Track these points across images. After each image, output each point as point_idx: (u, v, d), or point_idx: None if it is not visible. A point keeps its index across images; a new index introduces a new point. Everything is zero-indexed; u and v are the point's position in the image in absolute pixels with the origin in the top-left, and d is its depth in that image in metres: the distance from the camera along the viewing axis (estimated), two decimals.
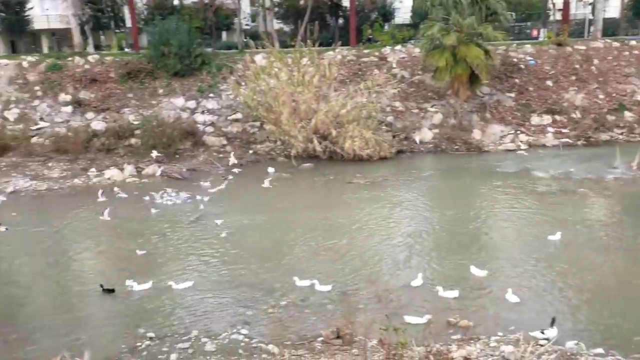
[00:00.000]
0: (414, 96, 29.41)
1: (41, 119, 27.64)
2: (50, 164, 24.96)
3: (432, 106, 29.02)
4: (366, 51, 32.51)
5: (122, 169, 24.05)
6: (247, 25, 49.60)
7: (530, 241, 15.19)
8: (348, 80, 29.13)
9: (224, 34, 49.49)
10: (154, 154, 24.95)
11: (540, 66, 31.14)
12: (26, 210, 20.02)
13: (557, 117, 28.81)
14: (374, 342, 9.59)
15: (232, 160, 25.10)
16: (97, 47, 43.98)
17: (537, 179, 21.76)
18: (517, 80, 30.35)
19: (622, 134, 28.14)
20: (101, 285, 12.71)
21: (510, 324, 10.66)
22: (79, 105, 28.03)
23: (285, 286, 12.66)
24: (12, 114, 27.59)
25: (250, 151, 26.83)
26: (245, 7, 49.04)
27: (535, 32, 44.99)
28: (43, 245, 16.26)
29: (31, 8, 45.94)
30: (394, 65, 30.93)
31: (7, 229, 17.36)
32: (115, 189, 21.43)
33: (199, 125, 27.70)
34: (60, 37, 48.16)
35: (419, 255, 14.40)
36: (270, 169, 23.94)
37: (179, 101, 28.74)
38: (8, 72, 29.32)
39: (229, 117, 28.34)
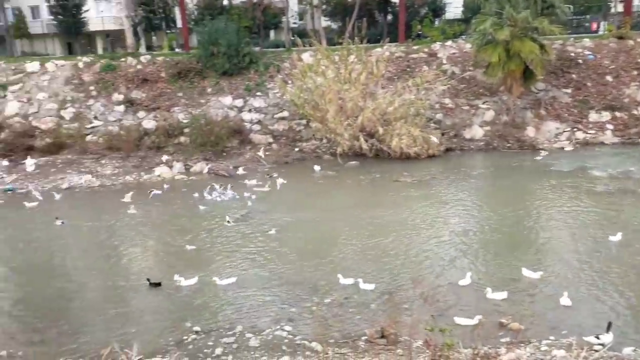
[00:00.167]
0: (465, 93, 28.74)
1: (95, 117, 28.60)
2: (103, 162, 25.84)
3: (483, 103, 28.29)
4: (415, 47, 31.99)
5: (171, 167, 24.63)
6: (294, 23, 49.80)
7: (587, 242, 14.52)
8: (396, 77, 28.76)
9: (271, 33, 49.87)
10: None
11: (599, 61, 29.77)
12: (80, 205, 20.77)
13: (617, 114, 27.49)
14: (419, 342, 9.35)
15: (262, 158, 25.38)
16: (149, 48, 45.24)
17: (594, 178, 20.84)
18: (574, 76, 29.15)
19: None
20: (148, 279, 13.00)
21: (563, 328, 10.23)
22: (131, 104, 28.86)
23: (329, 284, 12.55)
24: (67, 113, 28.64)
25: (296, 149, 26.92)
26: (293, 6, 49.23)
27: (594, 25, 43.03)
28: (95, 240, 16.79)
29: (87, 10, 47.66)
30: (444, 61, 30.30)
31: (63, 222, 18.03)
32: (165, 185, 21.96)
33: (245, 124, 28.00)
34: (114, 38, 49.80)
35: (467, 256, 13.98)
36: (316, 167, 23.95)
37: (227, 100, 29.11)
38: (65, 73, 30.43)
39: (275, 116, 28.49)
